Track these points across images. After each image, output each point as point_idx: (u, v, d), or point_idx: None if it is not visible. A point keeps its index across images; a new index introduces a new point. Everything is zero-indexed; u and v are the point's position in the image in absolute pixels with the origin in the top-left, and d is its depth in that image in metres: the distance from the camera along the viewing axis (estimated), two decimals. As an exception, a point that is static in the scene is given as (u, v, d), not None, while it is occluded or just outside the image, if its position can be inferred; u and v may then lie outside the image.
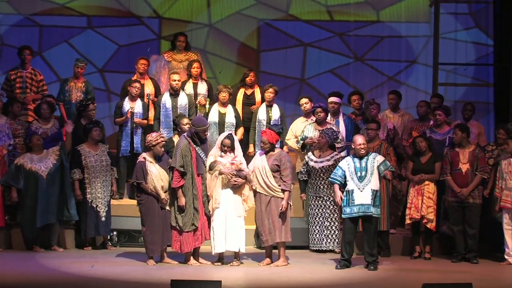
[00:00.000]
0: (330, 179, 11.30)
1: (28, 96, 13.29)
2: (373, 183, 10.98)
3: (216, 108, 13.10)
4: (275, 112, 13.12)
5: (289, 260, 11.23)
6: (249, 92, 13.48)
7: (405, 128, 13.04)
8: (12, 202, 11.91)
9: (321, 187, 11.97)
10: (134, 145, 13.05)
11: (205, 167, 11.10)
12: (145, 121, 13.16)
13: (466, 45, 15.91)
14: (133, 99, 13.12)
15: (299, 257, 11.66)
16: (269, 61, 16.05)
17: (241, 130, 13.07)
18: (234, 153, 11.11)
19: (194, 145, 11.08)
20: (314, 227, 12.12)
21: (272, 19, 16.09)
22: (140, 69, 13.51)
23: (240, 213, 11.07)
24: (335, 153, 11.96)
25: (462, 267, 11.35)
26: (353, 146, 11.32)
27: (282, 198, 11.02)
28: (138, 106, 13.13)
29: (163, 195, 11.08)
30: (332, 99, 12.98)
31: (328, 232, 12.03)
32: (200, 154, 11.08)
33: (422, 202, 11.84)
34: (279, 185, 11.03)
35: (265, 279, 10.38)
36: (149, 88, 13.48)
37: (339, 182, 11.08)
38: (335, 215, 11.92)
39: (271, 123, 12.87)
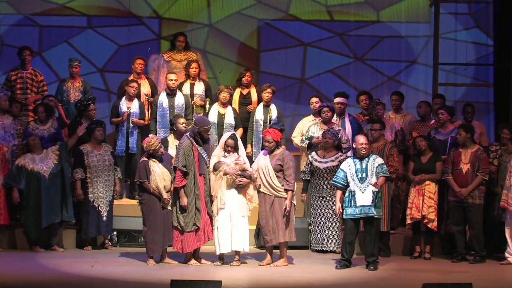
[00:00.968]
0: (332, 182, 11.28)
1: (30, 98, 13.28)
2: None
3: (215, 109, 13.09)
4: (273, 112, 13.11)
5: (289, 260, 11.22)
6: (245, 92, 13.47)
7: (407, 129, 13.02)
8: (13, 203, 11.90)
9: (324, 187, 11.96)
10: (130, 145, 13.04)
11: (208, 167, 11.10)
12: (142, 121, 13.14)
13: (466, 45, 15.91)
14: (130, 99, 13.11)
15: (299, 257, 11.65)
16: (269, 61, 16.04)
17: (240, 131, 13.07)
18: (237, 153, 11.11)
19: (197, 145, 11.08)
20: (316, 227, 12.11)
21: (272, 19, 16.09)
22: (138, 69, 13.51)
23: (245, 213, 11.07)
24: (340, 153, 11.93)
25: (462, 267, 11.35)
26: (354, 146, 11.32)
27: (286, 198, 11.01)
28: (135, 106, 13.12)
29: (165, 195, 11.08)
30: (338, 99, 12.98)
31: (330, 232, 12.02)
32: (203, 154, 11.08)
33: (423, 202, 11.84)
34: (283, 185, 11.02)
35: (265, 279, 10.38)
36: (145, 88, 13.47)
37: (341, 185, 11.07)
38: (337, 216, 11.89)
39: (269, 124, 12.88)
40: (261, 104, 13.19)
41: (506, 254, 11.55)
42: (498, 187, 11.68)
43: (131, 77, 13.51)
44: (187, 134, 11.26)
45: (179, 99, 13.12)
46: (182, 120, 11.79)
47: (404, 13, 16.13)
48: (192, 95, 13.40)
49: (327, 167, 11.92)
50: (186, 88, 13.44)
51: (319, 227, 12.08)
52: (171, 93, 13.11)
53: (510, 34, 14.98)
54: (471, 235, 11.73)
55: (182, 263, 11.13)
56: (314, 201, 12.13)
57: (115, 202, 12.59)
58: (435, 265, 11.57)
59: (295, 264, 11.27)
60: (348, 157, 11.59)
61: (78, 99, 13.25)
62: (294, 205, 11.16)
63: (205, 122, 11.29)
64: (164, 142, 11.84)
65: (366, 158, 11.05)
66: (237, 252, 11.09)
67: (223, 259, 11.10)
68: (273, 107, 13.18)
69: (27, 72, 13.45)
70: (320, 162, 12.01)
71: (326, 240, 12.03)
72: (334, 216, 11.94)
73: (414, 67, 16.13)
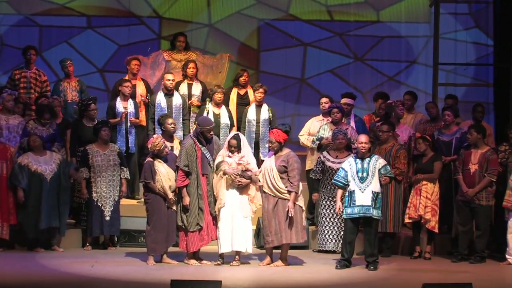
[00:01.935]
0: (333, 180, 11.27)
1: (33, 98, 13.26)
2: (374, 185, 10.97)
3: (210, 109, 13.02)
4: (264, 112, 13.04)
5: (289, 260, 11.22)
6: (242, 92, 13.44)
7: (417, 129, 12.96)
8: (19, 201, 11.85)
9: (335, 188, 11.88)
10: (129, 145, 13.02)
11: (211, 167, 11.10)
12: (138, 120, 13.11)
13: (466, 45, 15.91)
14: (125, 98, 13.08)
15: (299, 257, 11.65)
16: (269, 61, 16.05)
17: (234, 130, 13.03)
18: (241, 153, 11.10)
19: (200, 145, 11.09)
20: (322, 228, 12.09)
21: (272, 19, 16.09)
22: (134, 70, 13.46)
23: (247, 213, 11.06)
24: (353, 154, 11.87)
25: (462, 267, 11.34)
26: (356, 145, 11.32)
27: (289, 200, 11.00)
28: (130, 106, 13.09)
29: (170, 195, 11.09)
30: (344, 100, 12.97)
31: (338, 233, 11.97)
32: (206, 154, 11.08)
33: (419, 202, 11.83)
34: (286, 186, 11.01)
35: (265, 279, 10.38)
36: (140, 89, 13.44)
37: (342, 185, 11.06)
38: (343, 216, 11.83)
39: (261, 123, 12.88)
40: (253, 104, 13.15)
41: (506, 255, 11.54)
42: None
43: (126, 77, 13.46)
44: (190, 134, 11.29)
45: (177, 99, 13.11)
46: (170, 120, 11.76)
47: (404, 13, 16.14)
48: (189, 95, 13.38)
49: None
50: (183, 88, 13.42)
51: (326, 227, 12.05)
52: (168, 93, 13.10)
53: (510, 34, 14.97)
54: (476, 235, 11.69)
55: (182, 263, 11.13)
56: (323, 201, 12.09)
57: (115, 202, 12.59)
58: (435, 265, 11.56)
59: (295, 264, 11.27)
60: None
61: (75, 99, 13.26)
62: (301, 207, 11.11)
63: (208, 122, 11.30)
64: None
65: (368, 158, 11.04)
66: (237, 252, 11.08)
67: (223, 258, 11.10)
68: (264, 108, 13.12)
69: (31, 71, 13.46)
70: (333, 162, 11.96)
71: (331, 241, 12.00)
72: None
73: (414, 67, 16.14)
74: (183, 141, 11.31)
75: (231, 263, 11.05)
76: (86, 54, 15.71)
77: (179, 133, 12.71)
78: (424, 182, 11.88)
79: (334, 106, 12.55)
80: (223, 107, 13.08)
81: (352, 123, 12.85)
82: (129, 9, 15.91)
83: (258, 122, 13.03)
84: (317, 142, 12.58)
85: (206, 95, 13.39)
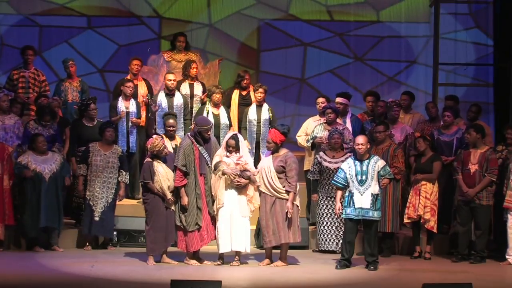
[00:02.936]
0: (333, 181, 11.27)
1: (32, 98, 13.26)
2: (373, 187, 10.96)
3: (209, 110, 13.02)
4: (265, 112, 13.06)
5: (289, 260, 11.22)
6: (244, 93, 13.44)
7: (415, 129, 12.97)
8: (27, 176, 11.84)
9: (333, 187, 11.89)
10: (130, 145, 13.02)
11: (209, 167, 11.10)
12: (140, 121, 13.12)
13: (466, 45, 15.92)
14: (127, 98, 13.08)
15: (299, 257, 11.65)
16: (269, 61, 16.05)
17: (232, 130, 13.02)
18: (239, 153, 11.10)
19: (198, 145, 11.09)
20: (321, 228, 12.10)
21: (272, 19, 16.10)
22: (134, 70, 13.46)
23: (245, 213, 11.06)
24: (349, 154, 11.88)
25: (462, 267, 11.34)
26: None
27: (287, 200, 11.00)
28: (132, 106, 13.10)
29: (169, 195, 11.09)
30: (338, 99, 12.98)
31: (338, 232, 11.98)
32: (203, 154, 11.08)
33: (419, 202, 11.83)
34: (284, 186, 11.02)
35: (265, 279, 10.38)
36: (142, 89, 13.44)
37: (341, 185, 11.06)
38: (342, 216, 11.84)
39: (262, 123, 12.88)
40: (254, 104, 13.16)
41: (506, 256, 11.54)
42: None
43: (128, 77, 13.47)
44: (188, 133, 11.27)
45: (178, 99, 13.11)
46: (171, 121, 11.68)
47: (404, 13, 16.14)
48: (192, 95, 13.39)
49: (338, 167, 11.86)
50: (185, 88, 13.42)
51: (326, 228, 12.06)
52: (170, 93, 13.10)
53: (510, 34, 14.97)
54: (475, 235, 11.70)
55: (182, 263, 11.13)
56: (321, 201, 12.09)
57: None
58: (435, 265, 11.56)
59: (295, 264, 11.27)
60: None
61: (76, 99, 13.26)
62: (297, 206, 11.14)
63: (206, 122, 11.30)
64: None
65: (367, 160, 11.02)
66: (237, 253, 11.08)
67: (223, 258, 11.10)
68: (264, 108, 13.13)
69: (29, 71, 13.45)
70: (330, 162, 11.97)
71: (331, 241, 12.01)
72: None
73: (414, 67, 16.14)
74: (181, 141, 11.31)
75: (231, 263, 11.05)
76: (86, 54, 15.72)
77: (180, 133, 12.70)
78: (424, 182, 11.87)
79: (328, 107, 12.55)
80: (222, 107, 13.08)
81: (348, 122, 12.86)
82: (129, 9, 15.91)
83: (259, 122, 13.03)
84: (311, 141, 12.59)
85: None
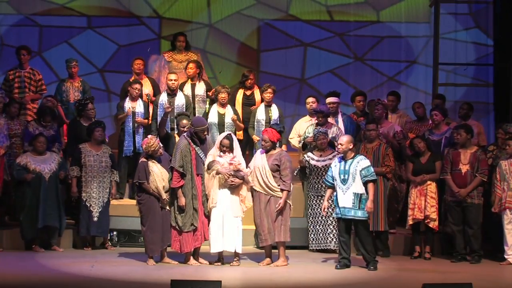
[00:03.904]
0: (324, 180, 11.32)
1: (27, 96, 13.29)
2: (356, 186, 10.91)
3: (215, 109, 13.08)
4: (275, 112, 13.13)
5: (289, 260, 11.23)
6: (248, 92, 13.47)
7: (403, 129, 13.02)
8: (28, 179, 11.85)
9: (323, 186, 11.93)
10: (136, 145, 13.04)
11: (205, 167, 11.10)
12: (146, 121, 13.16)
13: (466, 45, 15.92)
14: (133, 99, 13.12)
15: (299, 257, 11.65)
16: (269, 61, 16.05)
17: (240, 130, 13.07)
18: (233, 153, 11.11)
19: (194, 145, 11.09)
20: (316, 227, 12.11)
21: (272, 19, 16.10)
22: (136, 70, 13.50)
23: (237, 213, 11.06)
24: (336, 152, 11.92)
25: (462, 267, 11.35)
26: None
27: (281, 198, 11.01)
28: (139, 106, 13.13)
29: (164, 196, 11.09)
30: (330, 99, 13.01)
31: (330, 230, 12.00)
32: (200, 154, 11.08)
33: (426, 202, 11.83)
34: (279, 185, 11.03)
35: (265, 279, 10.38)
36: (147, 88, 13.47)
37: (330, 184, 11.09)
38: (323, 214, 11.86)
39: (271, 123, 12.89)
40: (262, 104, 13.19)
41: (506, 256, 11.55)
42: (500, 186, 11.61)
43: (132, 78, 13.50)
44: (185, 134, 11.26)
45: (180, 99, 13.12)
46: (185, 122, 11.65)
47: (404, 13, 16.14)
48: (193, 95, 13.40)
49: (326, 165, 11.92)
50: (187, 88, 13.44)
51: (320, 226, 12.08)
52: (171, 93, 13.11)
53: (510, 34, 14.97)
54: (469, 234, 11.72)
55: (182, 263, 11.13)
56: (312, 201, 12.13)
57: (116, 202, 12.59)
58: (435, 265, 11.57)
59: (295, 264, 11.27)
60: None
61: (77, 99, 13.26)
62: (290, 205, 11.15)
63: (202, 122, 11.29)
64: (170, 137, 11.85)
65: (350, 160, 11.00)
66: (237, 253, 11.08)
67: (223, 259, 11.10)
68: (274, 107, 13.18)
69: (25, 71, 13.46)
70: (318, 161, 12.03)
71: (328, 239, 12.02)
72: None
73: (414, 67, 16.14)
74: (178, 141, 11.28)
75: (231, 263, 11.05)
76: (86, 54, 15.71)
77: (181, 133, 12.72)
78: (429, 182, 11.91)
79: (319, 111, 12.55)
80: (229, 106, 13.10)
81: (340, 122, 12.87)
82: (129, 9, 15.91)
83: (267, 122, 13.05)
84: (302, 141, 12.62)
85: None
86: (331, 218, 11.94)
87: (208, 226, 11.07)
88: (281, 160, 11.06)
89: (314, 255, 11.96)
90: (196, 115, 13.15)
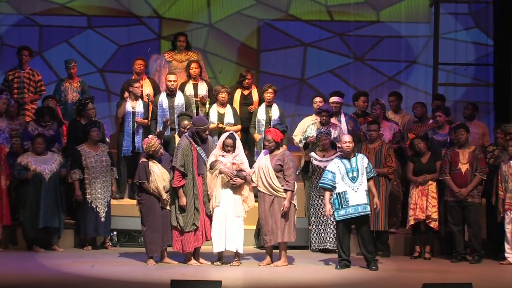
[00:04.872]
0: (320, 184, 11.21)
1: (26, 98, 13.29)
2: (365, 183, 10.98)
3: (215, 109, 13.08)
4: (275, 112, 13.12)
5: (289, 260, 11.22)
6: (246, 92, 13.46)
7: (405, 129, 13.03)
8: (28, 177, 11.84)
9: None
10: (136, 145, 13.04)
11: (206, 167, 11.10)
12: (146, 121, 13.16)
13: (466, 45, 15.91)
14: (135, 98, 13.10)
15: (299, 257, 11.65)
16: (269, 61, 16.05)
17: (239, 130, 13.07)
18: (235, 153, 11.10)
19: (195, 145, 11.09)
20: (317, 227, 12.09)
21: (272, 19, 16.09)
22: (137, 69, 13.51)
23: (240, 213, 11.06)
24: (339, 153, 11.92)
25: (462, 267, 11.35)
26: (339, 145, 11.34)
27: (285, 198, 11.00)
28: (139, 106, 13.13)
29: (164, 196, 11.09)
30: (333, 99, 13.00)
31: (331, 230, 11.99)
32: (201, 154, 11.08)
33: (427, 202, 11.84)
34: (282, 185, 11.01)
35: (265, 279, 10.38)
36: (147, 88, 13.47)
37: (330, 187, 11.04)
38: (328, 217, 11.84)
39: (272, 123, 12.89)
40: (263, 104, 13.19)
41: (506, 255, 11.55)
42: (501, 187, 11.60)
43: (133, 78, 13.50)
44: (186, 134, 11.27)
45: (179, 100, 13.11)
46: (186, 122, 11.65)
47: (404, 13, 16.13)
48: (195, 96, 13.39)
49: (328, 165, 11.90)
50: (189, 88, 13.44)
51: (322, 226, 12.07)
52: (171, 94, 13.11)
53: (510, 34, 14.97)
54: (469, 234, 11.72)
55: (182, 263, 11.13)
56: (314, 201, 12.12)
57: (116, 202, 12.62)
58: (435, 265, 11.57)
59: (295, 264, 11.27)
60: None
61: (75, 99, 13.27)
62: (295, 205, 11.14)
63: (203, 122, 11.29)
64: (171, 139, 11.86)
65: (354, 158, 11.04)
66: (237, 253, 11.08)
67: (223, 259, 11.10)
68: (275, 107, 13.17)
69: (24, 72, 13.46)
70: (320, 161, 12.01)
71: (328, 239, 12.02)
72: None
73: (414, 67, 16.13)
74: (179, 141, 11.29)
75: (231, 263, 11.05)
76: (86, 54, 15.71)
77: (181, 133, 12.72)
78: (430, 182, 11.91)
79: (323, 110, 12.54)
80: (228, 106, 13.10)
81: (343, 121, 12.87)
82: (129, 9, 15.91)
83: (268, 122, 13.04)
84: (304, 142, 12.61)
85: (211, 94, 13.38)
86: (331, 218, 11.92)
87: (210, 226, 11.06)
88: (284, 160, 11.05)
89: (315, 255, 11.96)
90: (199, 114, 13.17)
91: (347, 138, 11.13)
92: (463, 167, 11.74)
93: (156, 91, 13.51)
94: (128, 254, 11.69)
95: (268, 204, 11.05)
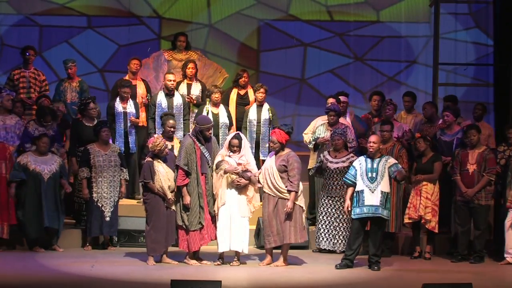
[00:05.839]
0: (344, 179, 11.24)
1: (34, 98, 13.27)
2: (384, 185, 10.95)
3: (209, 109, 13.03)
4: (265, 112, 13.06)
5: (290, 260, 11.22)
6: (242, 92, 13.45)
7: (416, 129, 12.98)
8: (10, 197, 11.86)
9: (334, 187, 11.91)
10: (130, 145, 13.00)
11: (209, 166, 11.10)
12: (139, 120, 13.10)
13: (466, 45, 15.92)
14: (124, 99, 13.05)
15: (299, 257, 11.65)
16: (269, 61, 16.05)
17: (232, 130, 13.03)
18: (241, 153, 11.09)
19: (199, 144, 11.09)
20: (328, 228, 12.08)
21: (272, 19, 16.10)
22: (132, 69, 13.47)
23: (245, 213, 11.06)
24: (351, 155, 11.89)
25: (462, 267, 11.35)
26: (366, 145, 11.34)
27: (289, 199, 10.99)
28: (130, 106, 13.09)
29: (169, 195, 11.09)
30: (341, 98, 13.00)
31: (336, 232, 12.00)
32: (205, 153, 11.08)
33: (420, 202, 11.83)
34: (287, 186, 11.01)
35: (265, 279, 10.38)
36: (141, 90, 13.43)
37: (350, 182, 11.04)
38: (345, 216, 11.85)
39: (262, 124, 12.88)
40: (255, 104, 13.16)
41: (505, 255, 11.54)
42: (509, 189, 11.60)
43: (126, 77, 13.44)
44: (189, 133, 11.28)
45: (178, 99, 13.11)
46: (171, 122, 11.65)
47: (404, 13, 16.14)
48: (189, 95, 13.36)
49: (338, 167, 11.88)
50: (183, 88, 13.42)
51: (325, 226, 12.06)
52: (169, 93, 13.10)
53: (510, 34, 14.95)
54: (474, 235, 11.70)
55: (182, 262, 11.13)
56: (324, 200, 12.10)
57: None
58: (435, 265, 11.57)
59: (295, 264, 11.27)
60: (358, 157, 11.50)
61: (74, 99, 13.27)
62: (301, 206, 11.10)
63: (207, 121, 11.30)
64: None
65: (378, 159, 11.02)
66: (237, 253, 11.08)
67: (223, 258, 11.10)
68: (265, 108, 13.13)
69: (29, 71, 13.47)
70: (331, 162, 11.97)
71: (330, 240, 12.01)
72: (341, 216, 11.90)
73: (414, 67, 16.14)
74: (183, 140, 11.31)
75: (231, 263, 11.05)
76: (86, 54, 15.72)
77: (179, 133, 12.71)
78: (424, 183, 11.88)
79: (331, 109, 12.54)
80: (222, 106, 13.08)
81: (349, 120, 12.87)
82: (129, 9, 15.92)
83: (259, 122, 13.03)
84: (313, 142, 12.60)
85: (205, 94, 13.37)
86: (338, 220, 11.90)
87: (214, 225, 11.06)
88: (289, 160, 11.02)
89: (315, 255, 11.95)
90: (191, 114, 13.13)
91: (373, 138, 11.12)
92: (471, 168, 11.71)
93: (149, 93, 13.43)
94: (128, 254, 11.69)
95: (272, 205, 11.03)
